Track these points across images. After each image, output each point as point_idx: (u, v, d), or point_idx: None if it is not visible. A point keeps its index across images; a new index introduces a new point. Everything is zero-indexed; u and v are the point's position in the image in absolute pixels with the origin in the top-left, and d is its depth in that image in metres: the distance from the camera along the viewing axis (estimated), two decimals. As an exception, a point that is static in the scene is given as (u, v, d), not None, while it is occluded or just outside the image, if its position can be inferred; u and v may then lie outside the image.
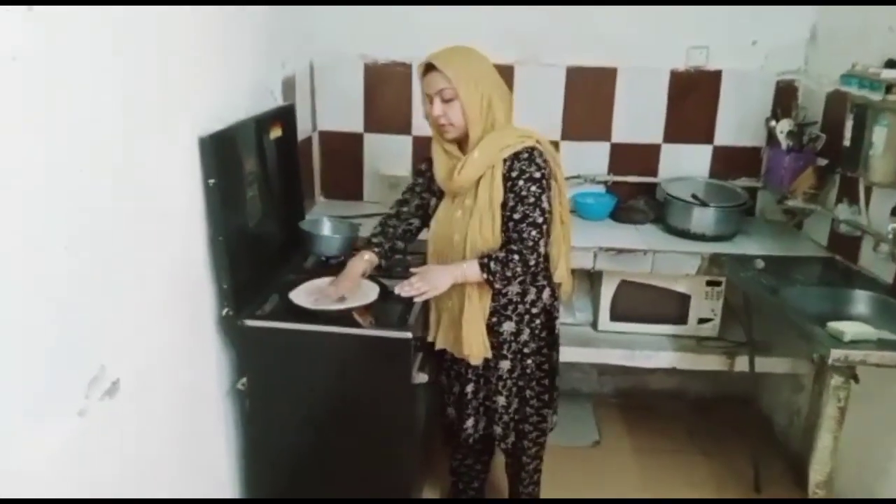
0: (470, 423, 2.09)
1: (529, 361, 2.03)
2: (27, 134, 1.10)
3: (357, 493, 2.02)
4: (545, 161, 1.88)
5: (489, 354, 1.98)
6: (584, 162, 2.89)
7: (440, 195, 2.02)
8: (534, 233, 1.84)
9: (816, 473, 2.14)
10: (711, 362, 2.71)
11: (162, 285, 1.58)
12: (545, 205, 1.86)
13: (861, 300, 2.17)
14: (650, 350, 2.71)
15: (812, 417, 2.60)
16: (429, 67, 1.85)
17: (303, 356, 1.90)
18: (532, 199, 1.84)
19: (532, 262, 1.85)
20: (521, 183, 1.85)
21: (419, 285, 1.84)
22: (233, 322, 1.86)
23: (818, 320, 1.97)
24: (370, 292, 1.99)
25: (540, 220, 1.85)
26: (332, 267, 2.25)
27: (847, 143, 2.25)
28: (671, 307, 2.74)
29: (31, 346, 1.14)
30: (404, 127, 2.91)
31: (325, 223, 2.38)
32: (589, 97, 2.85)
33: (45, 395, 1.17)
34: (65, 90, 1.19)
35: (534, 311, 2.00)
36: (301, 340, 1.87)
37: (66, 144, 1.20)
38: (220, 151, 1.77)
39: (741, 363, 2.67)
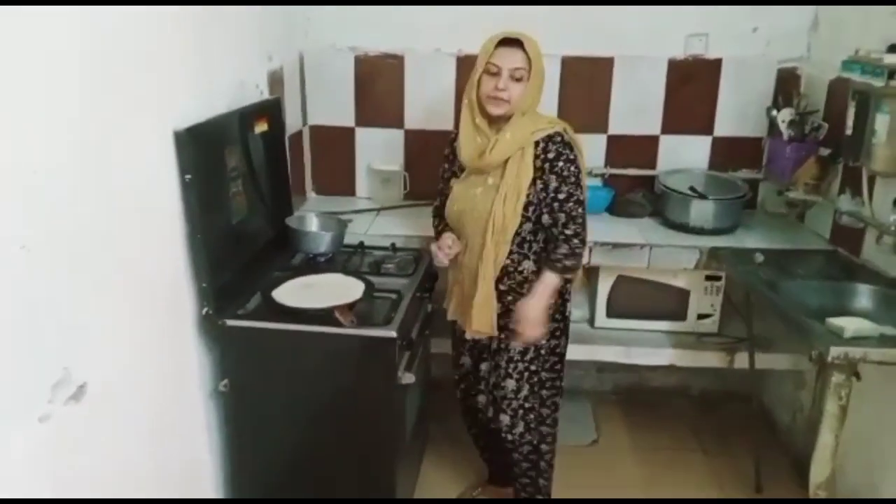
0: (482, 399, 2.12)
1: (543, 342, 2.01)
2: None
3: (343, 494, 1.97)
4: (574, 146, 1.95)
5: (495, 332, 1.99)
6: (581, 154, 2.82)
7: (459, 174, 2.03)
8: (580, 209, 1.91)
9: (817, 473, 2.07)
10: (711, 359, 2.64)
11: (136, 285, 1.53)
12: (584, 183, 1.96)
13: (863, 294, 2.10)
14: (648, 347, 2.65)
15: (815, 414, 2.53)
16: (507, 43, 1.86)
17: (286, 356, 1.85)
18: (573, 179, 1.90)
19: (586, 238, 1.94)
20: (560, 164, 1.89)
21: (529, 334, 1.94)
22: (213, 322, 1.81)
23: (819, 315, 1.91)
24: (354, 289, 1.94)
25: (582, 197, 1.93)
26: (321, 265, 2.20)
27: (849, 131, 2.17)
28: (670, 303, 2.68)
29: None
30: (396, 121, 2.86)
31: (312, 220, 2.34)
32: (585, 88, 2.78)
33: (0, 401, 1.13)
34: (25, 78, 1.14)
35: None
36: (283, 340, 1.83)
37: (21, 139, 1.15)
38: (197, 146, 1.72)
39: (741, 360, 2.60)
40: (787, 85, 2.74)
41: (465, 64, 2.76)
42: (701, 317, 2.69)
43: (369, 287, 1.97)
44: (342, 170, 2.93)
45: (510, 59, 1.85)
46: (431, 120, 2.82)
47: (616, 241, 2.49)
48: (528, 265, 1.97)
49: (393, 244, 2.41)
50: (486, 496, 2.44)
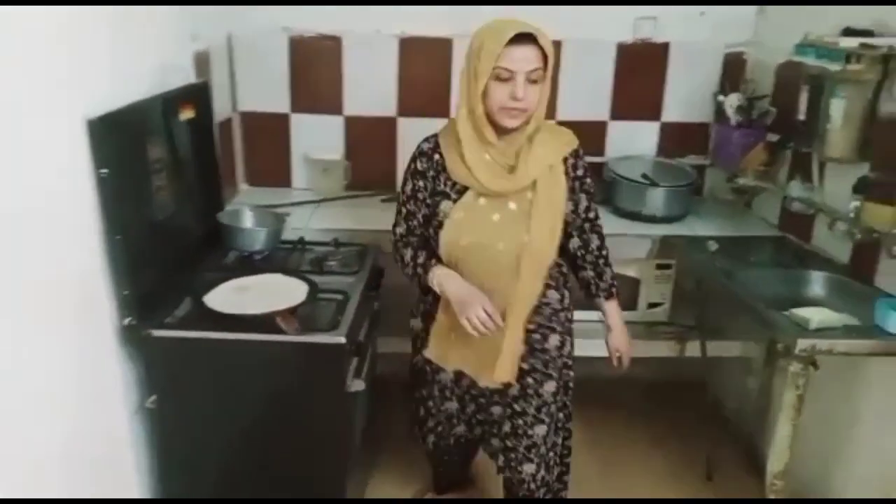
0: (494, 445, 1.87)
1: (572, 374, 1.87)
2: None
3: (290, 513, 1.82)
4: None
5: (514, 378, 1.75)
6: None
7: (452, 195, 1.67)
8: (603, 226, 1.84)
9: (775, 463, 2.05)
10: (662, 348, 2.61)
11: (42, 295, 1.33)
12: None
13: (818, 281, 2.08)
14: (599, 338, 2.57)
15: (762, 400, 2.54)
16: (517, 39, 1.51)
17: (221, 368, 1.68)
18: (594, 193, 1.82)
19: None
20: (588, 180, 1.77)
21: (627, 360, 1.89)
22: (137, 333, 1.62)
23: (777, 305, 1.87)
24: (296, 291, 1.78)
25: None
26: (257, 264, 2.03)
27: (802, 116, 2.14)
28: (621, 292, 2.61)
29: None
30: (335, 107, 2.69)
31: (246, 214, 2.16)
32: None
33: None
34: None
35: (569, 315, 1.86)
36: (217, 351, 1.66)
37: None
38: (114, 135, 1.52)
39: (692, 348, 2.58)
40: (733, 70, 2.71)
41: (408, 46, 2.62)
42: (651, 305, 2.64)
43: (313, 288, 1.82)
44: (277, 159, 2.74)
45: (525, 60, 1.51)
46: (374, 106, 2.67)
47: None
48: (553, 295, 1.78)
49: (336, 239, 2.26)
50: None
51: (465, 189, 1.65)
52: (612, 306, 1.85)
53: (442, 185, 1.68)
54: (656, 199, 2.52)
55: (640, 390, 3.07)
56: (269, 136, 2.71)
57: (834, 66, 1.91)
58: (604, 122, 2.76)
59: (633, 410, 2.91)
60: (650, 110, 2.77)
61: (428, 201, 1.70)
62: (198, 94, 2.08)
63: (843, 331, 1.74)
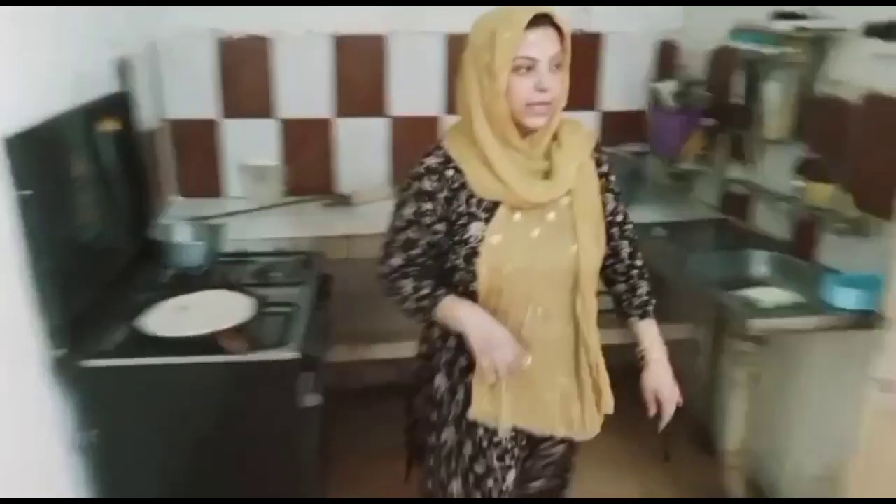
0: (510, 480, 1.52)
1: None
2: None
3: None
4: None
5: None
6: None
7: (481, 216, 1.39)
8: (634, 229, 1.56)
9: (730, 441, 2.09)
10: (612, 336, 2.61)
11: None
12: None
13: (763, 261, 2.12)
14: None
15: (711, 380, 2.58)
16: (535, 22, 1.29)
17: (164, 395, 1.57)
18: (620, 192, 1.53)
19: None
20: (612, 178, 1.51)
21: (670, 408, 1.58)
22: (70, 364, 1.50)
23: (726, 286, 1.90)
24: (241, 308, 1.69)
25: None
26: (196, 281, 1.92)
27: (739, 100, 2.17)
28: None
29: None
30: (268, 110, 2.59)
31: (181, 228, 2.05)
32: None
33: None
34: None
35: None
36: (159, 377, 1.55)
37: None
38: (34, 153, 1.41)
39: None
40: (667, 57, 2.75)
41: (343, 45, 2.54)
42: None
43: (258, 302, 1.73)
44: (209, 168, 2.62)
45: (546, 44, 1.30)
46: (309, 107, 2.59)
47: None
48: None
49: (279, 249, 2.16)
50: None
51: (494, 205, 1.38)
52: (647, 328, 1.52)
53: (464, 205, 1.39)
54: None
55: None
56: (199, 144, 2.59)
57: (769, 50, 1.94)
58: (544, 113, 2.75)
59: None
60: (588, 100, 2.78)
61: (437, 227, 1.40)
62: (120, 104, 1.96)
63: (793, 309, 1.77)
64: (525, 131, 1.36)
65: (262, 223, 2.41)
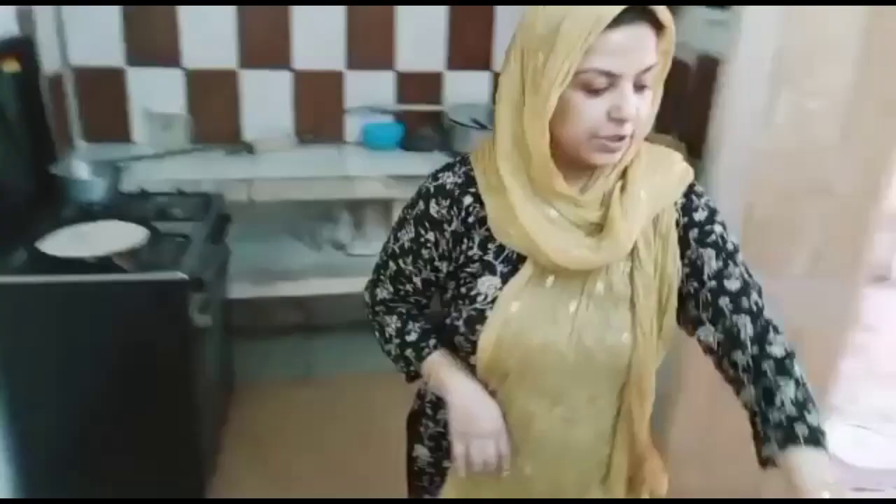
0: None
1: None
2: None
3: (146, 449, 1.90)
4: None
5: None
6: (371, 92, 2.85)
7: (497, 266, 1.01)
8: (762, 300, 1.01)
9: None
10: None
11: None
12: None
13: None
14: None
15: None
16: (627, 17, 0.86)
17: (61, 315, 1.71)
18: (734, 249, 1.02)
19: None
20: (717, 229, 1.02)
21: None
22: (-34, 284, 1.63)
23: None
24: (134, 234, 1.83)
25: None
26: (95, 212, 2.04)
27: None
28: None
29: None
30: (172, 58, 2.67)
31: (82, 166, 2.15)
32: (371, 25, 2.78)
33: None
34: None
35: None
36: (57, 296, 1.69)
37: None
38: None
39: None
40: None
41: (246, -2, 2.64)
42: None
43: (154, 232, 1.87)
44: (115, 114, 2.69)
45: (636, 53, 0.88)
46: (214, 59, 2.69)
47: (408, 173, 2.57)
48: None
49: (179, 189, 2.30)
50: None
51: (519, 258, 1.00)
52: (808, 462, 0.87)
53: (476, 248, 1.02)
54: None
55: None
56: (105, 91, 2.65)
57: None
58: (439, 72, 2.93)
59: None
60: (482, 61, 2.96)
61: (438, 264, 1.06)
62: (20, 47, 2.03)
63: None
64: (580, 165, 0.95)
65: (165, 167, 2.52)
